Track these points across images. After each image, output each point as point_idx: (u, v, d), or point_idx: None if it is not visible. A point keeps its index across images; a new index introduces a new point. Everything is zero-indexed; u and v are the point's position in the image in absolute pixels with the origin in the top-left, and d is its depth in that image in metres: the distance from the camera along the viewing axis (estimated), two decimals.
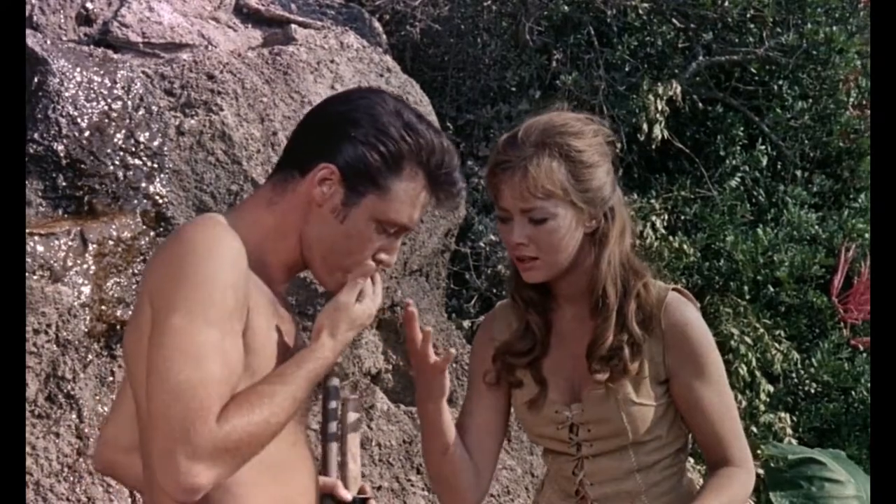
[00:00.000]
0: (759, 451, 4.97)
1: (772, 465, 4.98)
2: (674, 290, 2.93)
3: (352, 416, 2.76)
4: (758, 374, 5.79)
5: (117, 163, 3.92)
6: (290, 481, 2.39)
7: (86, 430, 3.57)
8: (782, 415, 5.80)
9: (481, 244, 5.61)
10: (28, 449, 3.41)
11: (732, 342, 5.78)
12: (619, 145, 2.99)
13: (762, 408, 5.75)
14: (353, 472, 2.69)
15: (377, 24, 5.63)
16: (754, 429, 5.74)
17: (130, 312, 3.54)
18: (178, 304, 2.16)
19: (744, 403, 5.71)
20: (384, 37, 5.65)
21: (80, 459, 3.52)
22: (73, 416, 3.56)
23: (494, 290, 5.63)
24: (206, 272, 2.19)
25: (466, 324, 5.36)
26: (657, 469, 2.94)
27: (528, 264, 2.85)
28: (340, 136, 2.41)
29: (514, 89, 6.20)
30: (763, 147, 6.34)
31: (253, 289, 2.28)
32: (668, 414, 2.93)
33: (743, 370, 5.76)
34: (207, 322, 2.16)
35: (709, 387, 2.89)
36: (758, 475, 3.29)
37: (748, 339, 5.81)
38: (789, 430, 5.77)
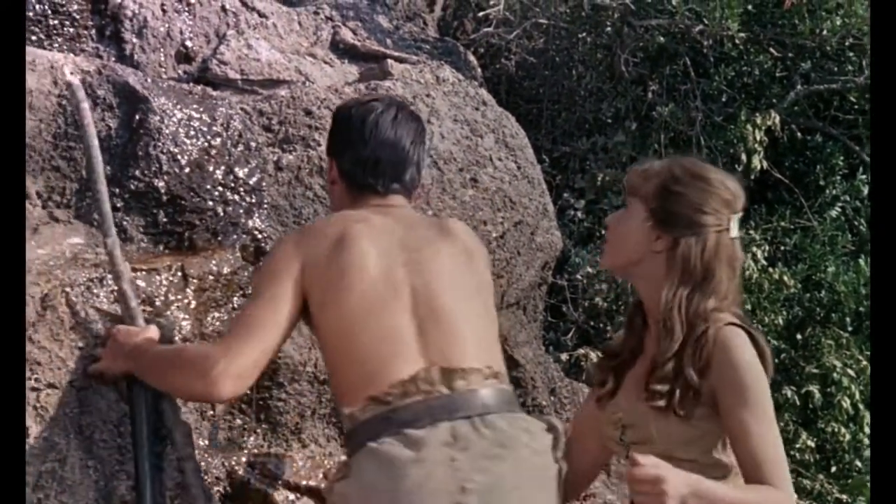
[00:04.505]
0: (865, 489, 4.89)
1: None
2: (728, 324, 3.03)
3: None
4: (861, 406, 5.69)
5: (217, 198, 3.95)
6: None
7: (183, 464, 3.59)
8: None
9: (578, 276, 5.59)
10: (131, 483, 3.44)
11: (835, 374, 5.69)
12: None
13: (866, 441, 5.65)
14: None
15: (472, 58, 5.64)
16: (858, 463, 5.64)
17: None
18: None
19: (847, 437, 5.62)
20: (479, 70, 5.66)
21: (183, 493, 3.54)
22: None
23: (592, 323, 5.60)
24: None
25: (564, 356, 5.34)
26: None
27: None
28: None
29: (609, 121, 6.18)
30: (864, 176, 6.25)
31: None
32: (706, 439, 3.02)
33: (846, 403, 5.67)
34: None
35: (747, 411, 2.95)
36: None
37: (851, 372, 5.71)
38: None
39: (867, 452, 5.61)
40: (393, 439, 2.95)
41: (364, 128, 3.40)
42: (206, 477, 3.63)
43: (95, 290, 3.54)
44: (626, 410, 3.09)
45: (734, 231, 3.11)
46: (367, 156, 3.38)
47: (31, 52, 3.84)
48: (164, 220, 3.85)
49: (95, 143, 3.61)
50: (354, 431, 3.05)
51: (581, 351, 5.39)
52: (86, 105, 3.65)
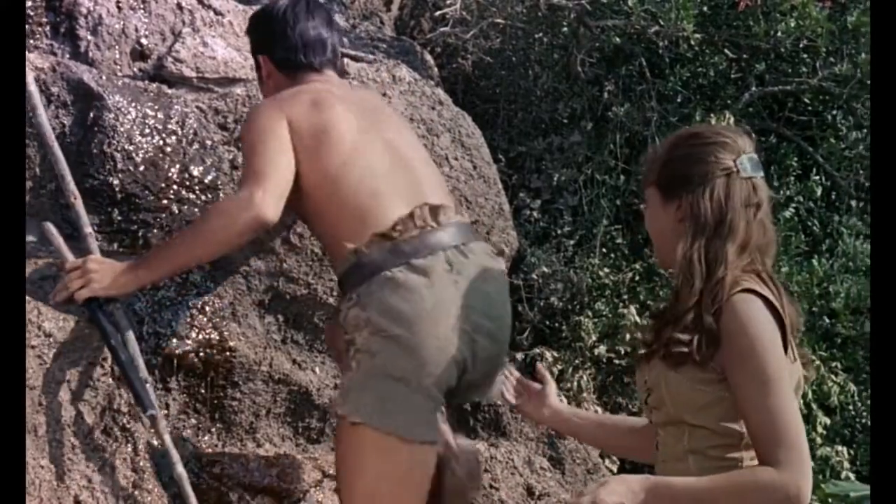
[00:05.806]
0: (818, 490, 4.92)
1: (831, 502, 4.91)
2: (744, 290, 2.94)
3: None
4: (814, 406, 5.72)
5: (172, 197, 3.94)
6: None
7: (141, 464, 3.58)
8: (839, 448, 5.73)
9: (534, 276, 5.59)
10: (84, 482, 3.42)
11: None
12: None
13: (819, 441, 5.68)
14: None
15: (429, 58, 5.64)
16: (811, 462, 5.67)
17: (186, 347, 3.59)
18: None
19: None
20: (436, 70, 5.66)
21: (136, 492, 3.52)
22: (129, 448, 3.57)
23: (547, 323, 5.60)
24: None
25: (520, 356, 5.34)
26: (710, 457, 2.97)
27: None
28: None
29: (565, 121, 6.18)
30: (817, 177, 6.28)
31: None
32: (717, 406, 2.95)
33: (799, 402, 5.70)
34: None
35: (750, 382, 2.90)
36: None
37: None
38: (846, 464, 5.69)
39: (819, 451, 5.65)
40: (403, 269, 3.40)
41: (284, 19, 3.84)
42: (160, 477, 3.62)
43: (47, 289, 3.52)
44: (650, 374, 3.07)
45: (746, 170, 3.01)
46: (294, 41, 3.81)
47: None
48: (119, 218, 3.84)
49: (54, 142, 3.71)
50: (360, 265, 3.44)
51: (536, 350, 5.39)
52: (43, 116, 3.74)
